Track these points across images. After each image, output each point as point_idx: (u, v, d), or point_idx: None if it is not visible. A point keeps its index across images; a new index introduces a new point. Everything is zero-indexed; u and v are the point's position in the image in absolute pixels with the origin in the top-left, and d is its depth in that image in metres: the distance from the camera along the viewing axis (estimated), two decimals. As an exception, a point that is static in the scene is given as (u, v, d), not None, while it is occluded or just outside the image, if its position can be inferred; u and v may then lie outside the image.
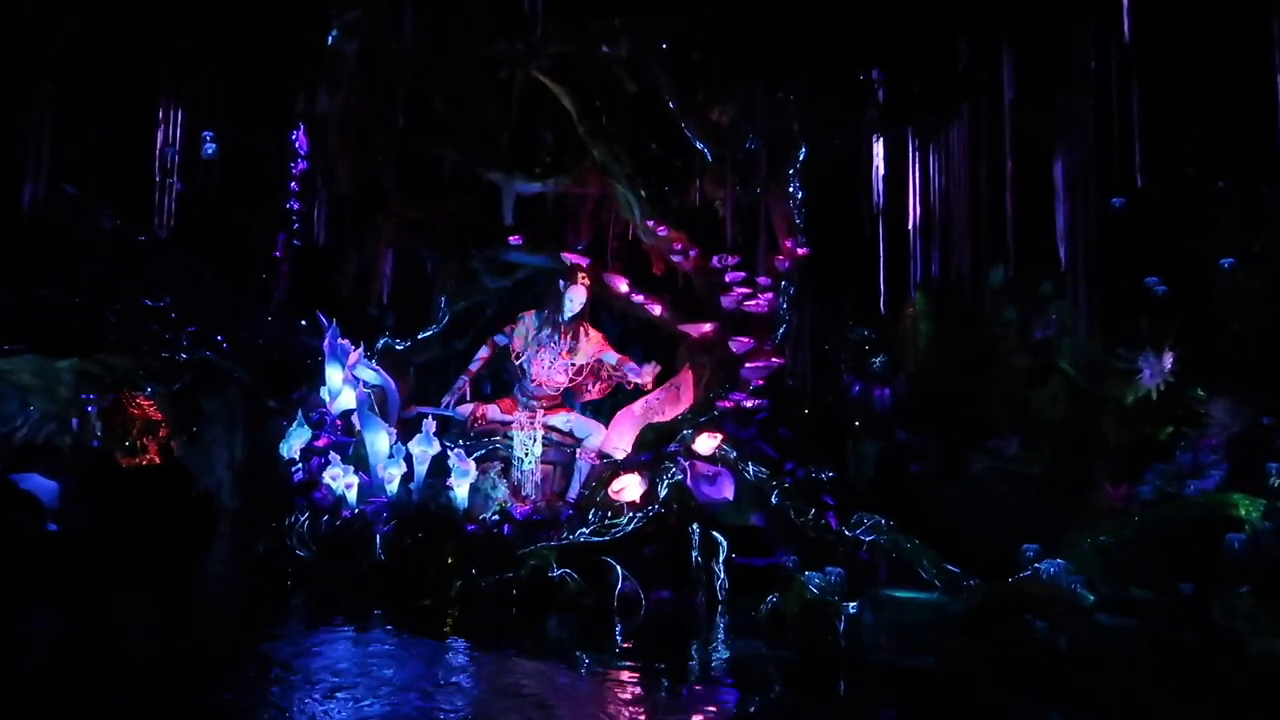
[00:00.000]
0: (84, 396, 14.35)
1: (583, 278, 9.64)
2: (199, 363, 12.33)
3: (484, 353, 9.52)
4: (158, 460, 14.48)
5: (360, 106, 9.37)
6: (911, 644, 5.43)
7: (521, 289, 11.05)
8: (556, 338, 9.43)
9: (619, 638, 6.17)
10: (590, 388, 9.62)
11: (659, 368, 9.22)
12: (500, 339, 9.59)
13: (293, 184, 9.17)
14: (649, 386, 9.11)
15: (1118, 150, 8.62)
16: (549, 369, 9.38)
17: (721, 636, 5.99)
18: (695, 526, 7.20)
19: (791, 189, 9.21)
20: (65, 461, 11.77)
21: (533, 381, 9.36)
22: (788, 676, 4.89)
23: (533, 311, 9.68)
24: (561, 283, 9.70)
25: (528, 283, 11.16)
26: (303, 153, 9.09)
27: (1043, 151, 9.26)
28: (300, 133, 9.05)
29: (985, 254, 9.46)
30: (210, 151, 8.29)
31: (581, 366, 9.49)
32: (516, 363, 9.47)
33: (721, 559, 7.09)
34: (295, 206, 9.23)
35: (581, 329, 9.57)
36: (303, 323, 9.97)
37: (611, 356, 9.44)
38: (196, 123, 8.42)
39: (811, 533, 7.68)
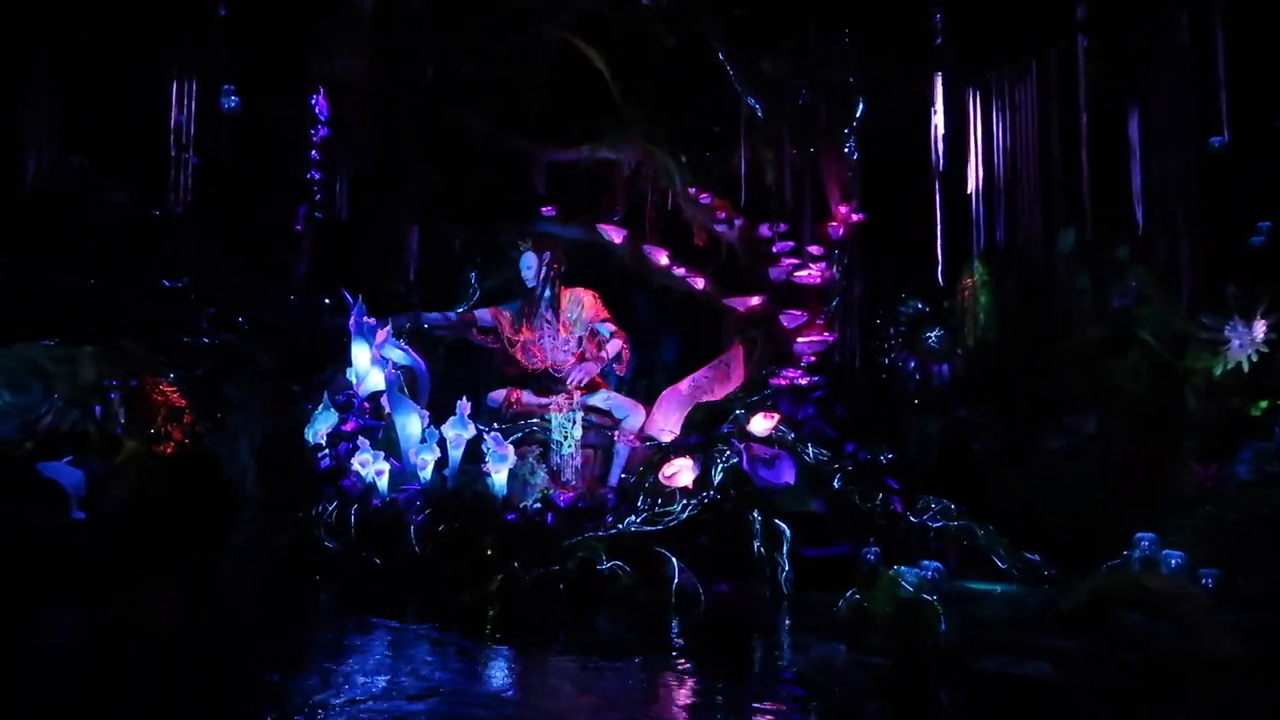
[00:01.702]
0: (107, 383, 13.99)
1: (526, 243, 9.22)
2: (221, 346, 11.91)
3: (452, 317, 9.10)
4: (185, 447, 14.15)
5: (382, 69, 8.78)
6: (1012, 646, 4.82)
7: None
8: (540, 317, 8.89)
9: (678, 636, 5.60)
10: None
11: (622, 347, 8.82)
12: (484, 315, 9.17)
13: (313, 152, 8.59)
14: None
15: (1202, 102, 7.96)
16: (552, 351, 8.86)
17: (795, 636, 5.40)
18: (756, 513, 6.60)
19: (847, 149, 8.55)
20: (93, 449, 11.48)
21: (540, 365, 8.85)
22: (883, 686, 4.30)
23: (512, 304, 9.23)
24: (514, 252, 9.30)
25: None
26: (323, 118, 8.50)
27: (1117, 105, 8.59)
28: (320, 96, 8.46)
29: (1055, 217, 8.80)
30: (232, 104, 7.67)
31: (581, 336, 9.00)
32: (512, 350, 8.95)
33: (785, 549, 6.50)
34: (316, 177, 8.65)
35: (563, 295, 9.08)
36: (326, 301, 9.41)
37: (606, 328, 8.93)
38: (209, 88, 7.82)
39: (880, 519, 7.11)
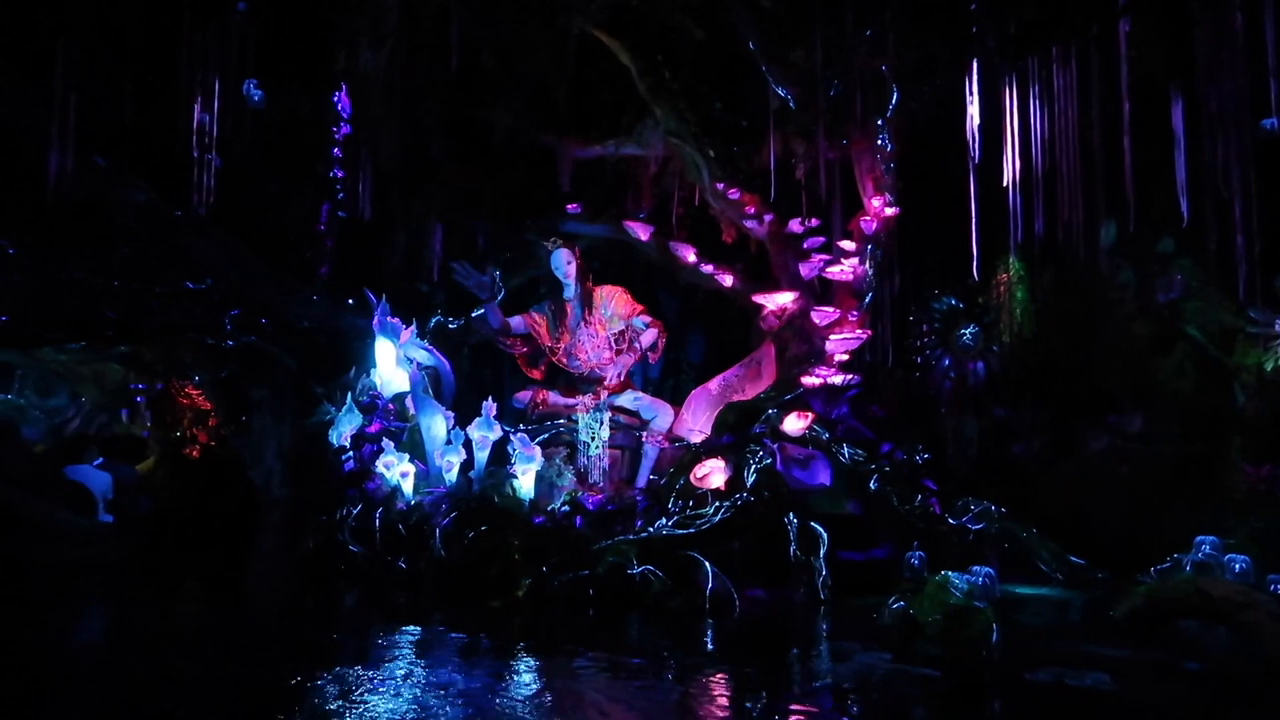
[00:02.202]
0: (133, 386, 14.00)
1: (556, 241, 8.98)
2: (245, 348, 11.83)
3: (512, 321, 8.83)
4: (212, 451, 14.19)
5: (405, 64, 8.64)
6: (1067, 655, 4.58)
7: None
8: (574, 317, 8.71)
9: (713, 644, 5.40)
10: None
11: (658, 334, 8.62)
12: (518, 322, 8.90)
13: (335, 150, 8.45)
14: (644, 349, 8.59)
15: (1251, 85, 7.67)
16: (591, 351, 8.66)
17: (836, 644, 5.17)
18: (791, 516, 6.38)
19: (880, 140, 8.31)
20: (121, 453, 11.49)
21: (584, 369, 8.65)
22: (934, 698, 4.08)
23: (542, 305, 9.00)
24: (545, 246, 9.04)
25: (587, 254, 10.42)
26: (345, 115, 8.36)
27: (1161, 91, 8.31)
28: (342, 94, 8.32)
29: (1096, 209, 8.52)
30: (257, 99, 7.55)
31: (621, 332, 8.81)
32: (555, 358, 8.76)
33: (823, 553, 6.27)
34: (339, 174, 8.52)
35: (595, 293, 8.88)
36: (349, 301, 9.28)
37: (642, 320, 8.76)
38: (230, 85, 7.71)
39: (919, 522, 6.86)
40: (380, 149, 8.55)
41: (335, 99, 8.27)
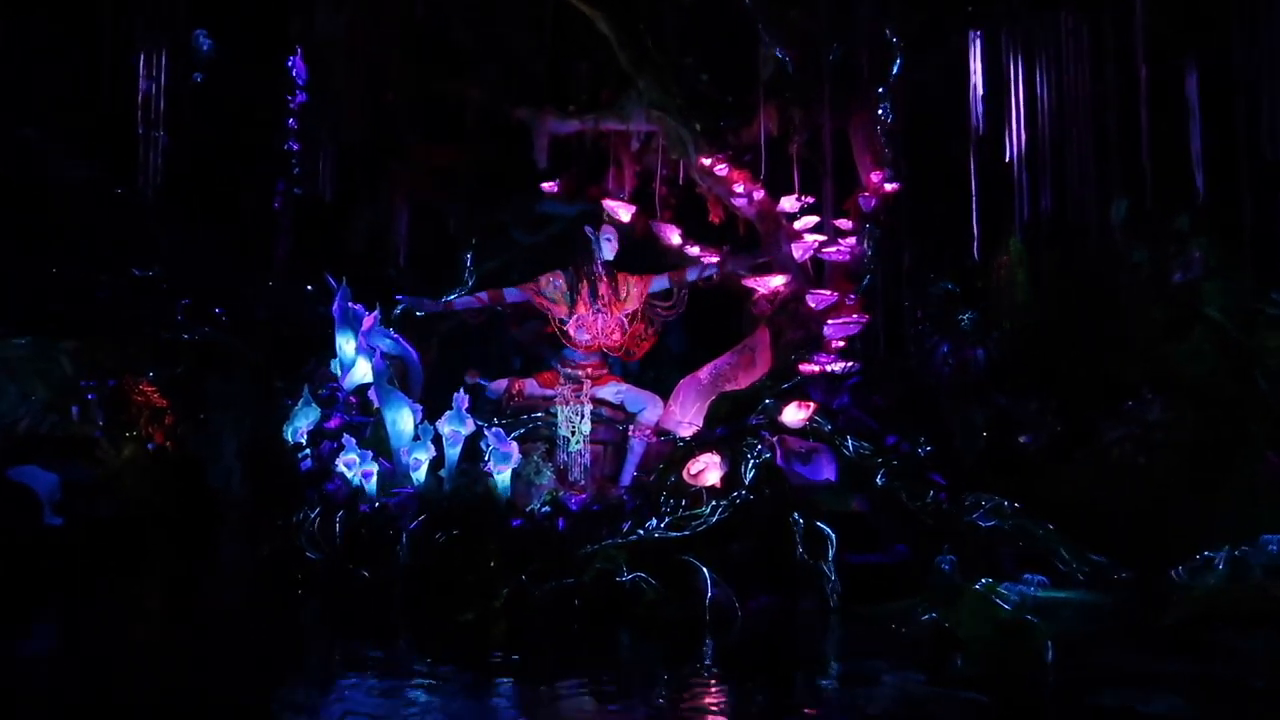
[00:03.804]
0: (83, 383, 13.27)
1: (607, 215, 8.60)
2: (202, 342, 11.14)
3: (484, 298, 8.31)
4: (169, 451, 13.61)
5: (367, 27, 7.96)
6: (1123, 673, 4.03)
7: (557, 244, 9.65)
8: (597, 289, 8.15)
9: (716, 661, 4.82)
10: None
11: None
12: (514, 292, 8.37)
13: (290, 121, 7.75)
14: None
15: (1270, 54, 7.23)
16: (601, 330, 8.08)
17: (857, 662, 4.59)
18: (797, 516, 5.80)
19: (881, 111, 7.75)
20: (73, 454, 10.87)
21: (580, 348, 8.05)
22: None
23: (558, 272, 8.40)
24: (588, 228, 8.56)
25: (563, 237, 9.78)
26: (301, 82, 7.66)
27: (1174, 63, 7.85)
28: (298, 58, 7.61)
29: (1106, 187, 8.06)
30: (206, 49, 6.83)
31: (635, 313, 8.33)
32: (561, 328, 8.15)
33: (832, 556, 5.70)
34: (294, 148, 7.81)
35: (620, 275, 8.46)
36: (309, 288, 8.60)
37: (661, 281, 8.43)
38: (175, 46, 7.00)
39: (931, 520, 6.31)
40: (340, 121, 7.84)
41: (290, 64, 7.55)
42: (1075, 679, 3.82)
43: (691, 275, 8.39)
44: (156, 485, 11.08)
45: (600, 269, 8.37)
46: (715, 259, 8.38)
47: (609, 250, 8.34)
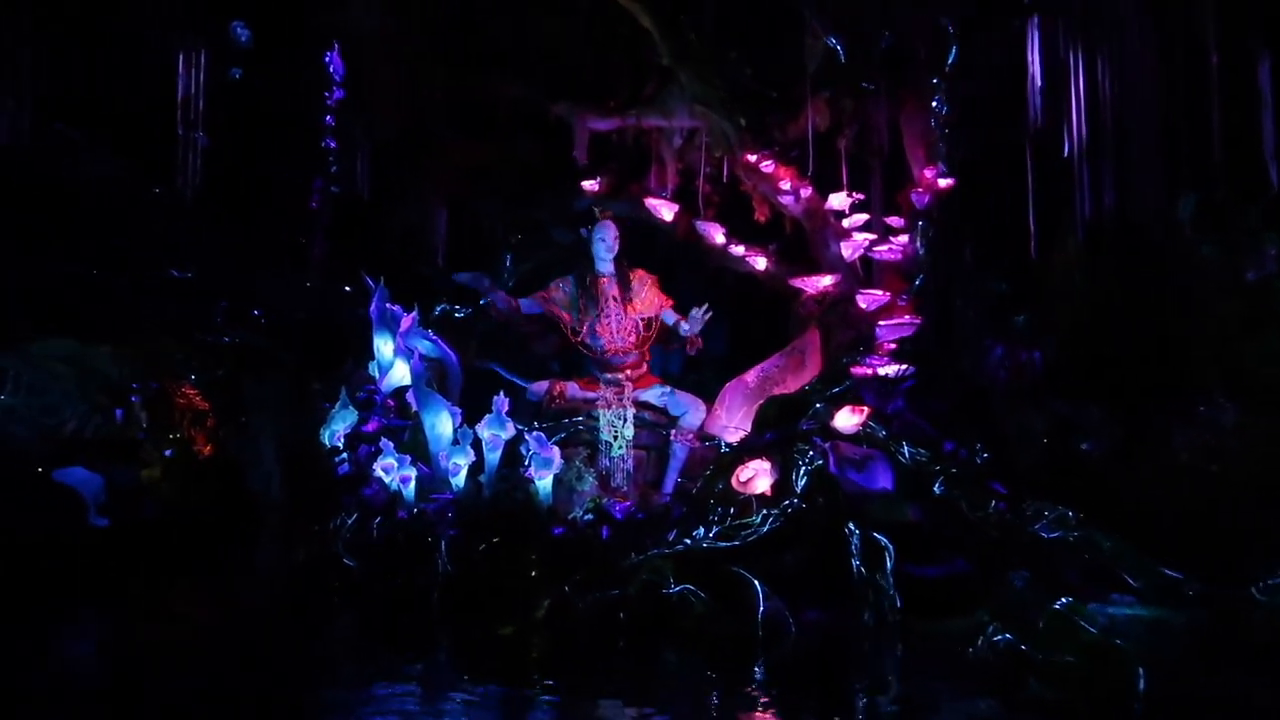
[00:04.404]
0: (127, 386, 13.37)
1: (603, 212, 8.14)
2: (241, 345, 11.10)
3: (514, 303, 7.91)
4: (211, 454, 13.70)
5: (404, 22, 7.80)
6: (1214, 696, 3.70)
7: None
8: (605, 295, 7.86)
9: (770, 681, 4.56)
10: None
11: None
12: (528, 303, 7.97)
13: (327, 117, 7.60)
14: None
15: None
16: (616, 332, 7.79)
17: (919, 683, 4.31)
18: (853, 527, 5.52)
19: (935, 102, 7.44)
20: (118, 456, 10.92)
21: (606, 351, 7.76)
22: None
23: (567, 278, 8.05)
24: (584, 230, 8.17)
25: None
26: (338, 78, 7.51)
27: (1245, 48, 7.47)
28: (334, 54, 7.46)
29: (1173, 179, 7.69)
30: (244, 39, 6.69)
31: (650, 319, 7.93)
32: (576, 339, 7.84)
33: (889, 568, 5.41)
34: (331, 145, 7.66)
35: (630, 274, 8.03)
36: (346, 289, 8.45)
37: (671, 316, 7.92)
38: (210, 41, 6.87)
39: (995, 531, 5.99)
40: (377, 117, 7.68)
41: (326, 59, 7.39)
42: (1168, 707, 3.51)
43: (669, 320, 7.94)
44: (198, 489, 11.11)
45: (603, 268, 7.96)
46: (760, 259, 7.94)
47: (605, 249, 7.89)
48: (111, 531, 8.77)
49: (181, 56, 7.36)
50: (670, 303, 7.98)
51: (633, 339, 7.86)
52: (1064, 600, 3.73)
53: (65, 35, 7.02)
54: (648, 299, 7.97)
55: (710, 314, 7.67)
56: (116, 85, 7.35)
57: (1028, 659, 3.68)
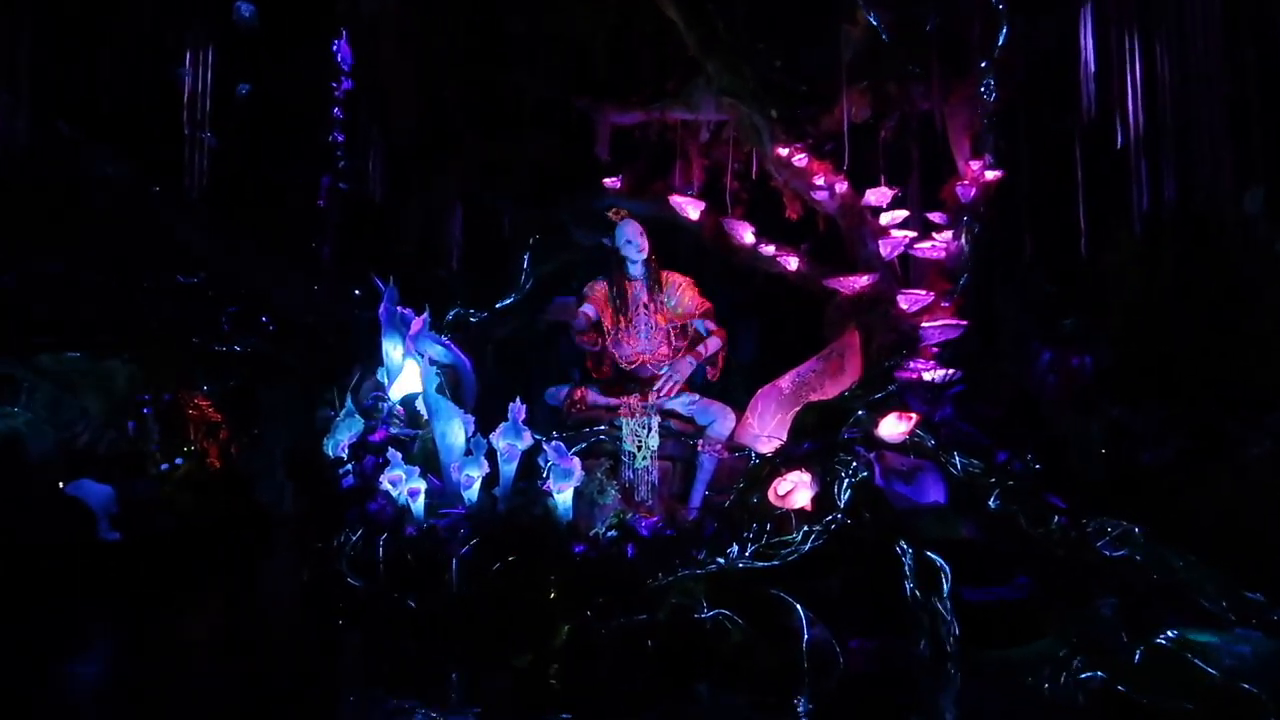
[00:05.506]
0: (139, 397, 13.15)
1: (618, 212, 7.62)
2: (253, 354, 10.79)
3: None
4: (223, 466, 13.50)
5: (418, 16, 7.41)
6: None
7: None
8: (635, 300, 7.38)
9: (811, 715, 4.04)
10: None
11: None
12: (585, 314, 7.40)
13: (335, 110, 7.21)
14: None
15: None
16: (645, 342, 7.29)
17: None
18: (905, 545, 5.00)
19: (982, 89, 6.94)
20: (131, 468, 10.74)
21: (632, 362, 7.27)
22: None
23: (600, 280, 7.56)
24: (605, 240, 7.69)
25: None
26: (346, 68, 7.11)
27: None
28: (343, 42, 7.07)
29: (1238, 172, 7.16)
30: (247, 15, 6.33)
31: (681, 328, 7.45)
32: (597, 348, 7.34)
33: (946, 591, 4.88)
34: (339, 139, 7.27)
35: (664, 277, 7.54)
36: (356, 292, 8.06)
37: (705, 325, 7.44)
38: (211, 22, 6.50)
39: (1058, 549, 5.44)
40: (388, 109, 7.28)
41: (335, 47, 7.00)
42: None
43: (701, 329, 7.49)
44: (209, 501, 10.91)
45: (634, 271, 7.47)
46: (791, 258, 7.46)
47: (635, 251, 7.40)
48: (122, 545, 8.55)
49: (190, 54, 6.99)
50: (707, 307, 7.49)
51: (664, 350, 7.37)
52: (1170, 633, 3.19)
53: (67, 32, 6.68)
54: (681, 303, 7.49)
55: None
56: (119, 83, 7.00)
57: (1129, 703, 3.14)
